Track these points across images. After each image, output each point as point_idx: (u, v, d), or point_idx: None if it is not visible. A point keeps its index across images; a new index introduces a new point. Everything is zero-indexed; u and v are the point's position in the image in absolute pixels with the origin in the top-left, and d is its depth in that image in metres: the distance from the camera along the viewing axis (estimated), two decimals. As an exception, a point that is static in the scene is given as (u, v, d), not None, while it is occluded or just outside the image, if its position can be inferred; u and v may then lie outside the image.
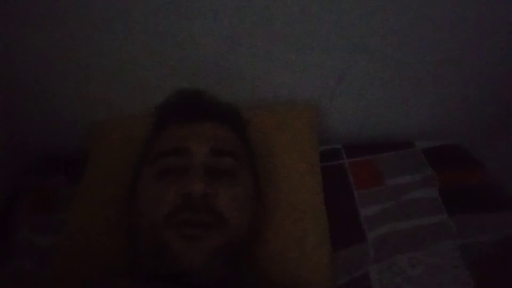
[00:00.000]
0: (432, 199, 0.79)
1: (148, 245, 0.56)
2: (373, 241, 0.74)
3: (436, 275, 0.68)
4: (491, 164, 0.86)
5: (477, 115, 0.95)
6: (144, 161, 0.64)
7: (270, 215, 0.72)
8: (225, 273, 0.56)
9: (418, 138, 0.91)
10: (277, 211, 0.73)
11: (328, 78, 0.87)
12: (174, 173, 0.58)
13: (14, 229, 0.72)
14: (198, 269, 0.53)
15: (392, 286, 0.68)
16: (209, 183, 0.56)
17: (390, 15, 0.78)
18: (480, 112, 0.94)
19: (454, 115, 0.94)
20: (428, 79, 0.89)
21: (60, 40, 0.77)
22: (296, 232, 0.72)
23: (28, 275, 0.67)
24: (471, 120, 0.95)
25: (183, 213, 0.55)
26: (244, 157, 0.66)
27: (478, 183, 0.82)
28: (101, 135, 0.83)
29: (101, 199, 0.72)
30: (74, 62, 0.80)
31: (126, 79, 0.83)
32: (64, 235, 0.69)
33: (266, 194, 0.71)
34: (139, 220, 0.58)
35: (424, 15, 0.78)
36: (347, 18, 0.78)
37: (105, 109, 0.85)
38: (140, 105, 0.78)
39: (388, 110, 0.93)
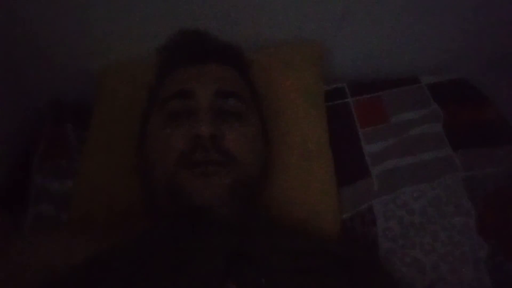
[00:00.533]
0: (436, 134, 0.79)
1: (162, 188, 0.58)
2: (377, 176, 0.75)
3: (439, 206, 0.70)
4: (498, 99, 0.85)
5: (484, 50, 0.92)
6: (151, 107, 0.65)
7: (277, 154, 0.73)
8: (237, 210, 0.58)
9: (424, 74, 0.90)
10: (283, 149, 0.75)
11: (331, 14, 0.85)
12: (181, 117, 0.59)
13: (30, 177, 0.74)
14: (212, 204, 0.55)
15: (395, 218, 0.71)
16: (216, 124, 0.57)
17: None
18: (488, 47, 0.92)
19: (461, 49, 0.92)
20: (435, 12, 0.86)
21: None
22: (302, 168, 0.74)
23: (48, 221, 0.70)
24: (477, 55, 0.93)
25: (193, 155, 0.56)
26: (249, 98, 0.66)
27: (485, 118, 0.81)
28: (107, 80, 0.83)
29: (110, 144, 0.74)
30: (76, 9, 0.79)
31: (127, 23, 0.81)
32: (77, 182, 0.71)
33: (272, 133, 0.73)
34: (150, 166, 0.60)
35: None
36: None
37: (109, 54, 0.84)
38: (143, 48, 0.77)
39: (394, 46, 0.91)
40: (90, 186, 0.71)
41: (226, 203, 0.56)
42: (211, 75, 0.63)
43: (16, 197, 0.73)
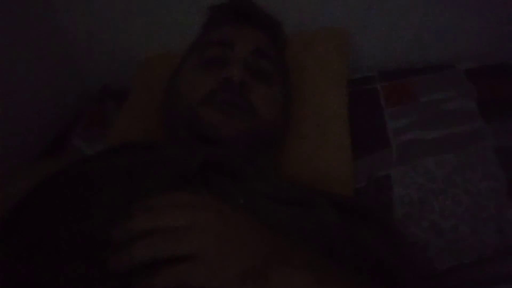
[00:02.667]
0: (468, 109, 0.75)
1: (183, 119, 0.62)
2: (397, 146, 0.72)
3: (464, 173, 0.65)
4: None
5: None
6: (190, 51, 0.71)
7: (295, 120, 0.75)
8: (249, 152, 0.60)
9: (461, 61, 0.86)
10: (301, 116, 0.76)
11: (358, 4, 0.87)
12: (216, 63, 0.63)
13: (70, 139, 0.84)
14: (226, 140, 0.57)
15: (414, 185, 0.66)
16: (246, 75, 0.61)
17: None
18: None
19: (500, 36, 0.88)
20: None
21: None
22: (317, 134, 0.74)
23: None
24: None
25: (221, 94, 0.60)
26: (279, 66, 0.70)
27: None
28: (149, 66, 0.91)
29: (142, 113, 0.81)
30: (127, 8, 0.92)
31: (169, 19, 0.92)
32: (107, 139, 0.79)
33: (293, 102, 0.74)
34: (177, 99, 0.64)
35: None
36: None
37: (153, 47, 0.94)
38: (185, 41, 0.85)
39: (426, 34, 0.89)
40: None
41: (238, 146, 0.58)
42: (252, 36, 0.68)
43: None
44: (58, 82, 0.92)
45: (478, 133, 0.70)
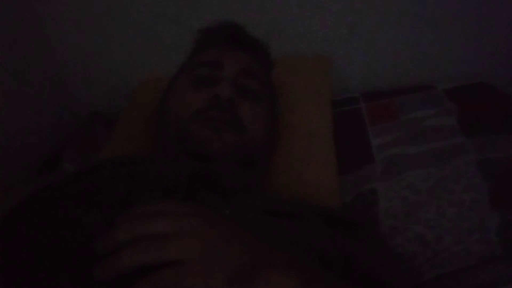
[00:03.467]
0: (448, 125, 0.77)
1: (173, 135, 0.63)
2: (381, 161, 0.74)
3: (448, 185, 0.67)
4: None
5: (501, 53, 0.91)
6: (180, 71, 0.73)
7: (281, 138, 0.77)
8: (239, 169, 0.61)
9: (440, 82, 0.90)
10: (287, 134, 0.78)
11: (339, 30, 0.91)
12: (206, 82, 0.66)
13: (61, 164, 0.85)
14: (217, 153, 0.59)
15: (399, 198, 0.68)
16: (235, 93, 0.63)
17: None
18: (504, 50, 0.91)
19: (479, 56, 0.92)
20: (449, 17, 0.88)
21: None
22: (304, 154, 0.76)
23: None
24: (496, 60, 0.91)
25: (210, 112, 0.61)
26: (266, 86, 0.72)
27: (502, 110, 0.78)
28: (141, 91, 0.93)
29: (133, 136, 0.82)
30: (118, 35, 0.96)
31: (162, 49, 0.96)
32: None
33: (281, 123, 0.77)
34: (167, 115, 0.66)
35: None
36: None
37: (143, 74, 0.96)
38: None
39: (407, 56, 0.93)
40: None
41: (227, 161, 0.59)
42: (240, 57, 0.70)
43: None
44: (50, 108, 0.94)
45: (459, 147, 0.72)
